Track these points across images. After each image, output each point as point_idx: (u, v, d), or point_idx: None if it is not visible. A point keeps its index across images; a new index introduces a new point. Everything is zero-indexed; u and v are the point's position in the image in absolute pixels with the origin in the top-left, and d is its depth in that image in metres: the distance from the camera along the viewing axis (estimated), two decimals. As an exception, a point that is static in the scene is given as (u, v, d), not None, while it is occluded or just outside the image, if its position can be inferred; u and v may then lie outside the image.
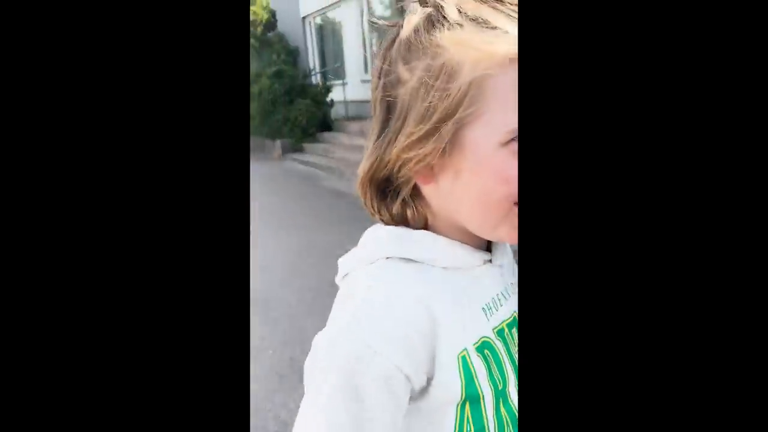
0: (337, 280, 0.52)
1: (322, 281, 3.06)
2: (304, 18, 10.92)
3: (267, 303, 2.83)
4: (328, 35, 10.58)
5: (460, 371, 0.43)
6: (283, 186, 6.75)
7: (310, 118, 9.13)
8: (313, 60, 11.04)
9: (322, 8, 10.11)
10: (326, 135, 9.12)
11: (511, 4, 0.43)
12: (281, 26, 11.24)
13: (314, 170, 7.60)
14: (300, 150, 9.18)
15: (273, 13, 11.21)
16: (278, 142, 9.46)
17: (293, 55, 10.70)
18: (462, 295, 0.47)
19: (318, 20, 10.76)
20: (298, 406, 0.46)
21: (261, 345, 2.44)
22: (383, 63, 0.47)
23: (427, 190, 0.48)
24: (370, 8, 8.87)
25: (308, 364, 0.45)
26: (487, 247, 0.52)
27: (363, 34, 9.05)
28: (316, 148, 8.78)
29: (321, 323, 0.52)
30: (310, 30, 10.99)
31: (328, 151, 8.22)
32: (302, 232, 4.40)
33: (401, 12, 0.49)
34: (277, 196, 5.77)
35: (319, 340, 0.45)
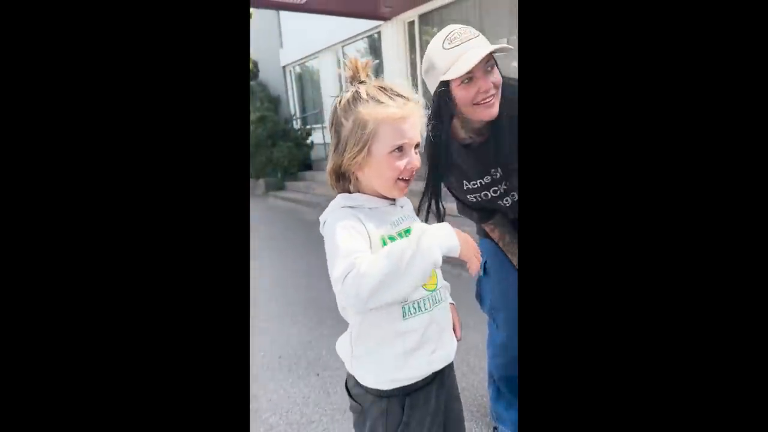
0: (321, 227, 1.03)
1: (303, 297, 3.72)
2: (284, 67, 11.28)
3: (257, 315, 3.42)
4: (307, 83, 10.90)
5: (380, 246, 0.95)
6: (269, 219, 7.21)
7: (292, 160, 9.63)
8: (293, 106, 11.35)
9: (301, 58, 10.47)
10: (308, 174, 9.39)
11: (392, 91, 1.00)
12: (263, 75, 11.74)
13: (296, 205, 7.85)
14: (282, 188, 9.44)
15: (255, 64, 11.70)
16: (261, 181, 9.72)
17: (275, 102, 11.11)
18: (378, 217, 1.02)
19: (297, 69, 11.12)
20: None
21: (254, 348, 2.93)
22: (333, 115, 1.04)
23: (358, 174, 1.04)
24: (345, 58, 9.40)
25: (326, 243, 0.98)
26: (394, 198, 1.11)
27: (340, 81, 9.37)
28: (298, 185, 8.98)
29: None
30: (291, 78, 11.35)
31: (309, 188, 8.44)
32: (284, 257, 4.98)
33: (341, 88, 1.04)
34: (264, 228, 6.48)
35: (324, 230, 1.00)
